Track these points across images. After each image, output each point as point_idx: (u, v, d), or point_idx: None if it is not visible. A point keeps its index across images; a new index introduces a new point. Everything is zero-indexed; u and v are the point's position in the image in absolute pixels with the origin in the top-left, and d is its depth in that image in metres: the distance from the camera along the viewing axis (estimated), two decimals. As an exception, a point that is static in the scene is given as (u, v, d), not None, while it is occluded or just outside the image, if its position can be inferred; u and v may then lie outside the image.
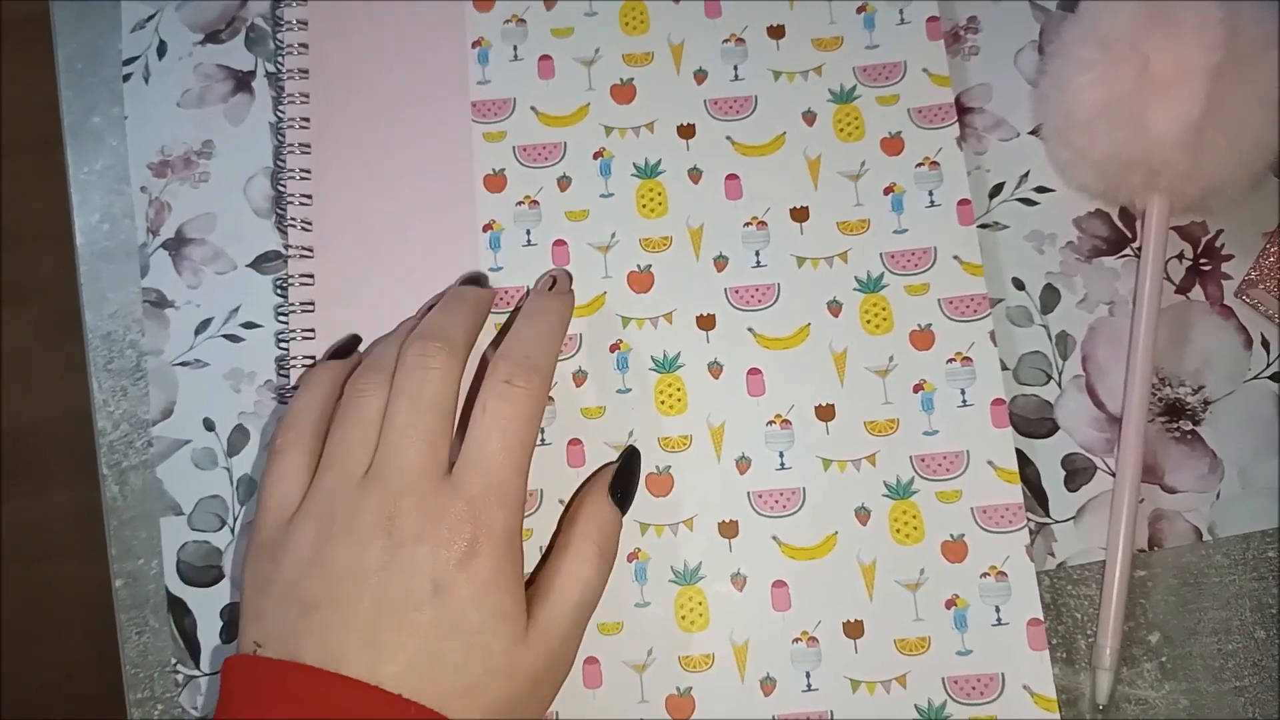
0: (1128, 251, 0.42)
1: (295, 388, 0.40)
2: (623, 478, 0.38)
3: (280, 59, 0.43)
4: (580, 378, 0.41)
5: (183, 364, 0.42)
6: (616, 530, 0.37)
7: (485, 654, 0.32)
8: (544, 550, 0.38)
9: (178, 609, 0.40)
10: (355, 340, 0.40)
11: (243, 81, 0.44)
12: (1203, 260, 0.42)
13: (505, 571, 0.33)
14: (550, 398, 0.40)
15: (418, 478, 0.33)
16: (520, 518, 0.34)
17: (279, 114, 0.43)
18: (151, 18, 0.45)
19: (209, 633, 0.40)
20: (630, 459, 0.39)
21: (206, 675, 0.40)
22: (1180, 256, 0.42)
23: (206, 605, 0.40)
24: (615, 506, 0.38)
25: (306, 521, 0.34)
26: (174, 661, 0.40)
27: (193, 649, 0.40)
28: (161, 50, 0.44)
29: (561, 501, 0.39)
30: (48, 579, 1.14)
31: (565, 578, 0.35)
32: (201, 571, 0.40)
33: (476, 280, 0.41)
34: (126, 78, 0.44)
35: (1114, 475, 0.40)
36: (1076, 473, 0.40)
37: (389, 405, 0.35)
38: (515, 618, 0.33)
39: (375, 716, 0.30)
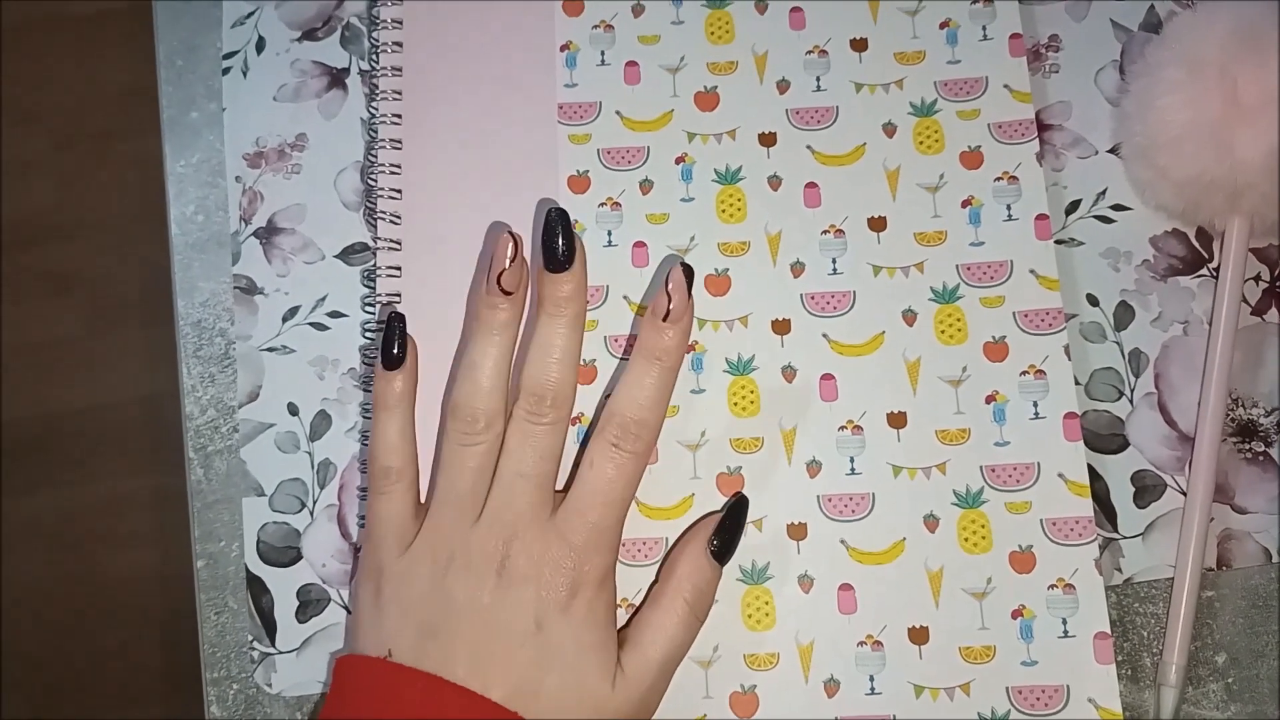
0: (1204, 271, 0.42)
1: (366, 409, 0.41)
2: (725, 530, 0.38)
3: (375, 57, 0.45)
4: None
5: (270, 349, 0.43)
6: (713, 586, 0.38)
7: (579, 685, 0.35)
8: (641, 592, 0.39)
9: (256, 587, 0.41)
10: (399, 329, 0.39)
11: (337, 78, 0.45)
12: (1279, 283, 0.42)
13: (599, 612, 0.36)
14: None
15: (529, 521, 0.36)
16: (614, 562, 0.37)
17: (372, 110, 0.44)
18: (251, 14, 0.46)
19: (286, 612, 0.41)
20: (736, 510, 0.39)
21: (281, 653, 0.41)
22: (1258, 279, 0.42)
23: (284, 585, 0.41)
24: (714, 561, 0.38)
25: (425, 555, 0.37)
26: (250, 639, 0.41)
27: (269, 627, 0.41)
28: (260, 46, 0.46)
29: (635, 499, 0.40)
30: (100, 565, 1.16)
31: (654, 631, 0.37)
32: (281, 551, 0.41)
33: (564, 247, 0.37)
34: (226, 71, 0.46)
35: (1184, 494, 0.40)
36: (1146, 489, 0.40)
37: (504, 449, 0.37)
38: (607, 652, 0.36)
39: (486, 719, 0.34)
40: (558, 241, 0.37)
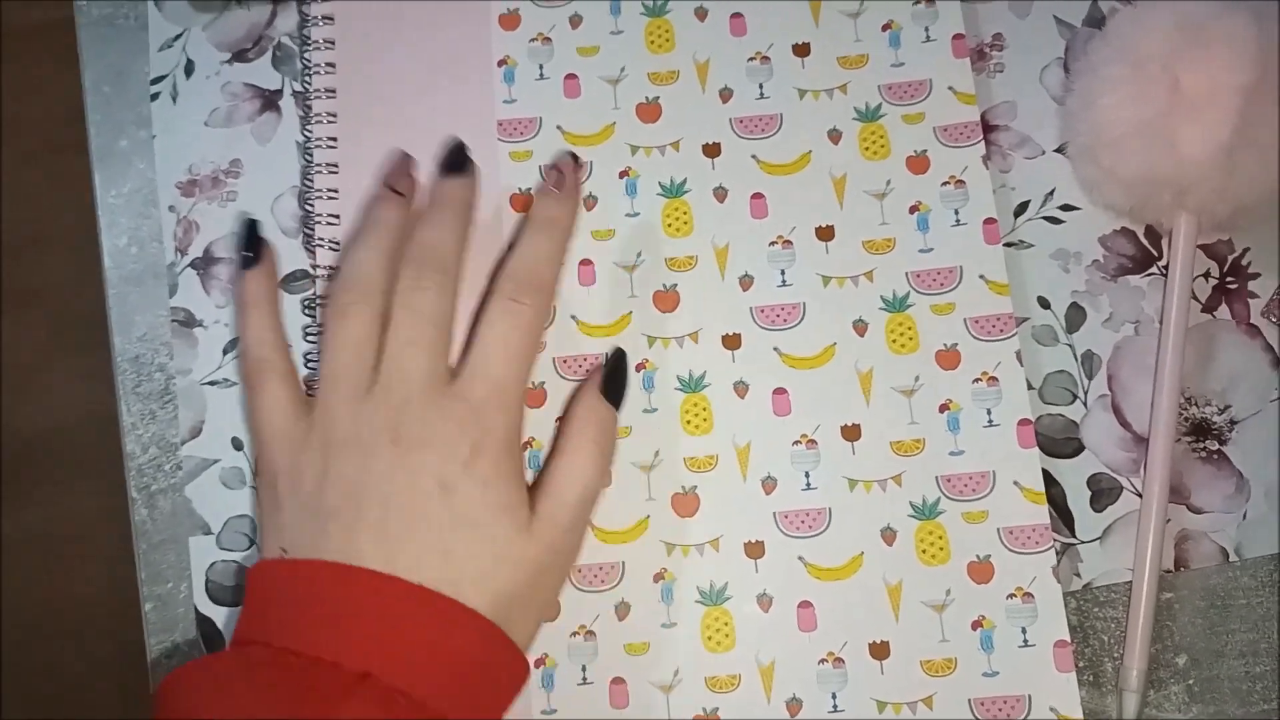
0: (1154, 270, 0.42)
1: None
2: (613, 378, 0.39)
3: (307, 78, 0.43)
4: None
5: (211, 383, 0.42)
6: (612, 427, 0.39)
7: (492, 544, 0.34)
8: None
9: (207, 628, 0.40)
10: (255, 231, 0.41)
11: (270, 100, 0.44)
12: (1229, 279, 0.42)
13: (506, 469, 0.36)
14: None
15: (421, 387, 0.36)
16: (520, 420, 0.37)
17: (306, 133, 0.43)
18: (178, 37, 0.45)
19: (238, 651, 0.40)
20: (617, 359, 0.40)
21: (236, 693, 0.40)
22: (1206, 275, 0.42)
23: (235, 624, 0.40)
24: (609, 405, 0.39)
25: (316, 442, 0.36)
26: (204, 679, 0.40)
27: (222, 667, 0.40)
28: (189, 69, 0.45)
29: (589, 523, 0.40)
30: (65, 582, 1.15)
31: (564, 473, 0.37)
32: (231, 591, 0.41)
33: (458, 158, 0.41)
34: (154, 97, 0.44)
35: (1140, 495, 0.40)
36: (1102, 493, 0.40)
37: (391, 322, 0.37)
38: (518, 510, 0.35)
39: (396, 603, 0.33)
40: (447, 158, 0.40)
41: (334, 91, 0.43)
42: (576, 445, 0.38)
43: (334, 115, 0.43)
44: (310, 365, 0.41)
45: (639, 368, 0.41)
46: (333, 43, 0.44)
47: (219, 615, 0.41)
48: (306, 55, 0.44)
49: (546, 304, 0.38)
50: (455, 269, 0.38)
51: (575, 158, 0.41)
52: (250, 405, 0.38)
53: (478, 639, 0.34)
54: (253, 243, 0.40)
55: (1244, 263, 0.42)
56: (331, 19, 0.44)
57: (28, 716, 1.12)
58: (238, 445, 0.41)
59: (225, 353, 0.42)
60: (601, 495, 0.39)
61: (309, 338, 0.42)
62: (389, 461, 0.35)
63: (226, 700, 0.32)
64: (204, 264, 0.43)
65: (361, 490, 0.35)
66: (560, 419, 0.40)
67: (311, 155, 0.43)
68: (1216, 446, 0.41)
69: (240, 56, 0.45)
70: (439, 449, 0.35)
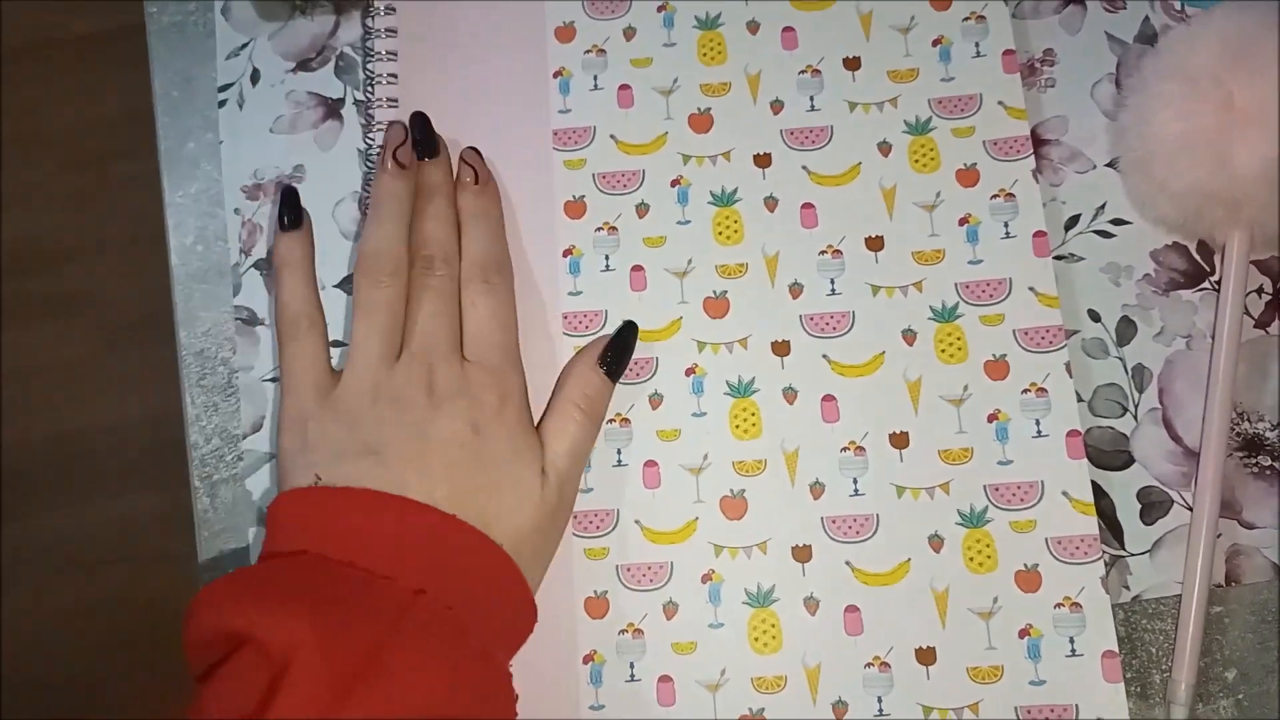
0: (1206, 285, 0.42)
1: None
2: (614, 348, 0.41)
3: (369, 87, 0.45)
4: (656, 400, 0.41)
5: (272, 380, 0.43)
6: (603, 396, 0.41)
7: (516, 482, 0.38)
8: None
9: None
10: (295, 198, 0.43)
11: (332, 108, 0.46)
12: (1282, 294, 0.42)
13: (525, 420, 0.40)
14: (627, 419, 0.41)
15: (447, 353, 0.40)
16: (525, 383, 0.41)
17: (368, 141, 0.44)
18: (245, 46, 0.46)
19: (291, 643, 0.41)
20: (625, 330, 0.42)
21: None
22: (1260, 291, 0.42)
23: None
24: (604, 376, 0.41)
25: (351, 391, 0.39)
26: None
27: (275, 658, 0.41)
28: (255, 78, 0.46)
29: (638, 523, 0.40)
30: (111, 585, 1.16)
31: (555, 432, 0.40)
32: (285, 583, 0.41)
33: (426, 139, 0.43)
34: (222, 103, 0.46)
35: (1191, 509, 0.40)
36: (1152, 506, 0.40)
37: (411, 300, 0.40)
38: (535, 455, 0.39)
39: (443, 533, 0.36)
40: (414, 140, 0.42)
41: (395, 101, 0.44)
42: (566, 411, 0.40)
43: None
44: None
45: (688, 372, 0.42)
46: (395, 54, 0.45)
47: (273, 607, 0.41)
48: (369, 65, 0.45)
49: (511, 277, 0.42)
50: (456, 256, 0.42)
51: (476, 151, 0.43)
52: (284, 355, 0.40)
53: (505, 576, 0.37)
54: (292, 208, 0.42)
55: (1296, 279, 0.42)
56: (395, 31, 0.45)
57: (86, 716, 1.13)
58: (295, 441, 0.42)
59: (285, 351, 0.43)
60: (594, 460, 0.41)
61: (366, 337, 0.43)
62: (426, 409, 0.38)
63: (290, 602, 0.33)
64: (267, 265, 0.44)
65: (402, 431, 0.38)
66: (556, 384, 0.42)
67: (372, 162, 0.44)
68: (1269, 462, 0.41)
69: (304, 66, 0.46)
70: (470, 399, 0.39)
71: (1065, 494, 0.39)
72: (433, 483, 0.37)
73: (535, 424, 0.41)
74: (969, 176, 0.43)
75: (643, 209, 0.43)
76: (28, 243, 1.24)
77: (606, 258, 0.43)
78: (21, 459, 1.19)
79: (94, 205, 1.24)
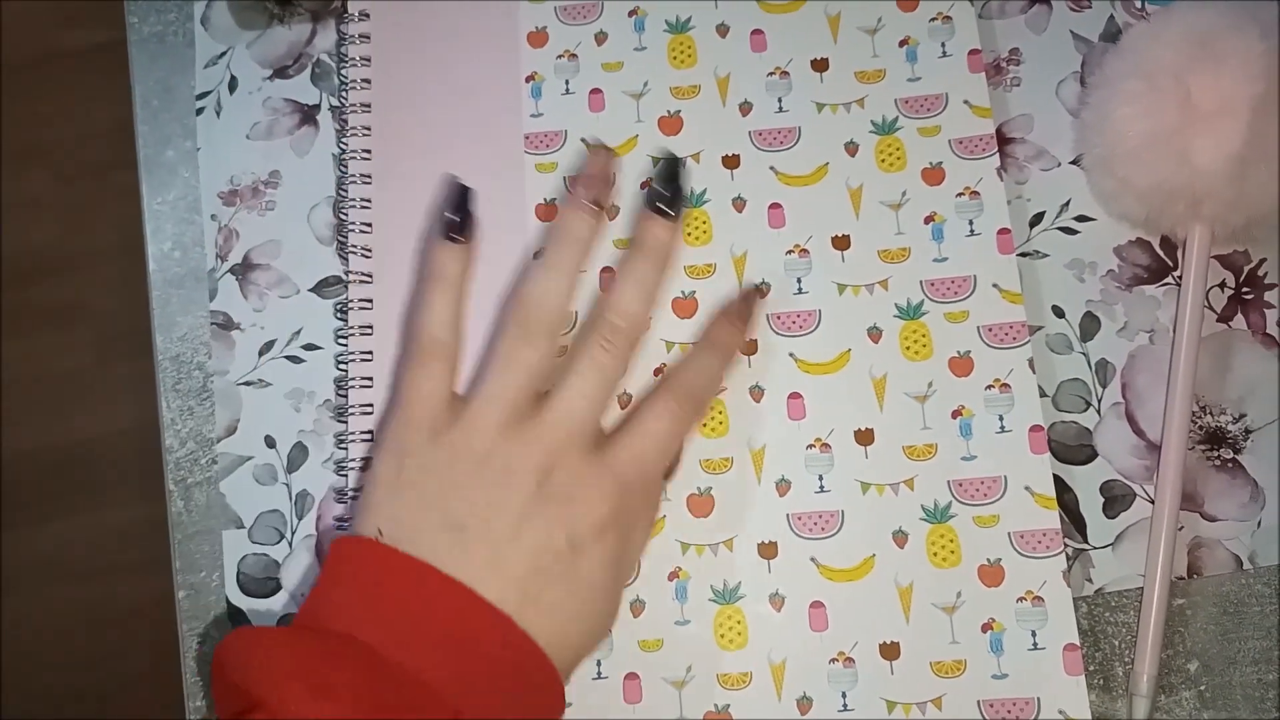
0: (1169, 280, 0.42)
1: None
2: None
3: (344, 93, 0.45)
4: (625, 400, 0.42)
5: (247, 384, 0.44)
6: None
7: (595, 618, 0.36)
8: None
9: (237, 619, 0.42)
10: (468, 202, 0.40)
11: (308, 114, 0.46)
12: (1245, 289, 0.42)
13: (624, 560, 0.37)
14: None
15: (579, 443, 0.36)
16: (653, 521, 0.39)
17: (342, 146, 0.45)
18: (223, 54, 0.47)
19: (268, 641, 0.42)
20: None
21: (265, 682, 0.41)
22: (1223, 285, 0.42)
23: (265, 616, 0.42)
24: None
25: (462, 448, 0.36)
26: (234, 668, 0.42)
27: (252, 656, 0.42)
28: (233, 85, 0.47)
29: None
30: (109, 593, 1.17)
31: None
32: (260, 583, 0.42)
33: (673, 191, 0.40)
34: (199, 111, 0.47)
35: (1153, 502, 0.40)
36: (1115, 499, 0.41)
37: (571, 367, 0.37)
38: (617, 599, 0.37)
39: (506, 649, 0.33)
40: (662, 183, 0.40)
41: (369, 106, 0.45)
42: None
43: (368, 128, 0.45)
44: (341, 367, 0.43)
45: (656, 373, 0.42)
46: (369, 59, 0.46)
47: (249, 607, 0.42)
48: (343, 71, 0.46)
49: (700, 416, 0.40)
50: (642, 335, 0.40)
51: (760, 291, 0.42)
52: (408, 378, 0.38)
53: (549, 695, 0.35)
54: (464, 213, 0.39)
55: (1260, 273, 0.42)
56: (368, 37, 0.46)
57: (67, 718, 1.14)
58: (270, 443, 0.43)
59: (261, 354, 0.44)
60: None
61: (340, 340, 0.43)
62: (529, 501, 0.35)
63: (330, 696, 0.31)
64: (243, 270, 0.45)
65: (495, 517, 0.35)
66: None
67: (347, 166, 0.44)
68: (1231, 455, 0.41)
69: (281, 73, 0.47)
70: (579, 508, 0.35)
71: (1028, 489, 0.40)
72: (507, 585, 0.34)
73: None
74: (935, 175, 0.43)
75: (613, 211, 0.44)
76: (26, 254, 1.26)
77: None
78: (19, 468, 1.21)
79: (91, 215, 1.25)
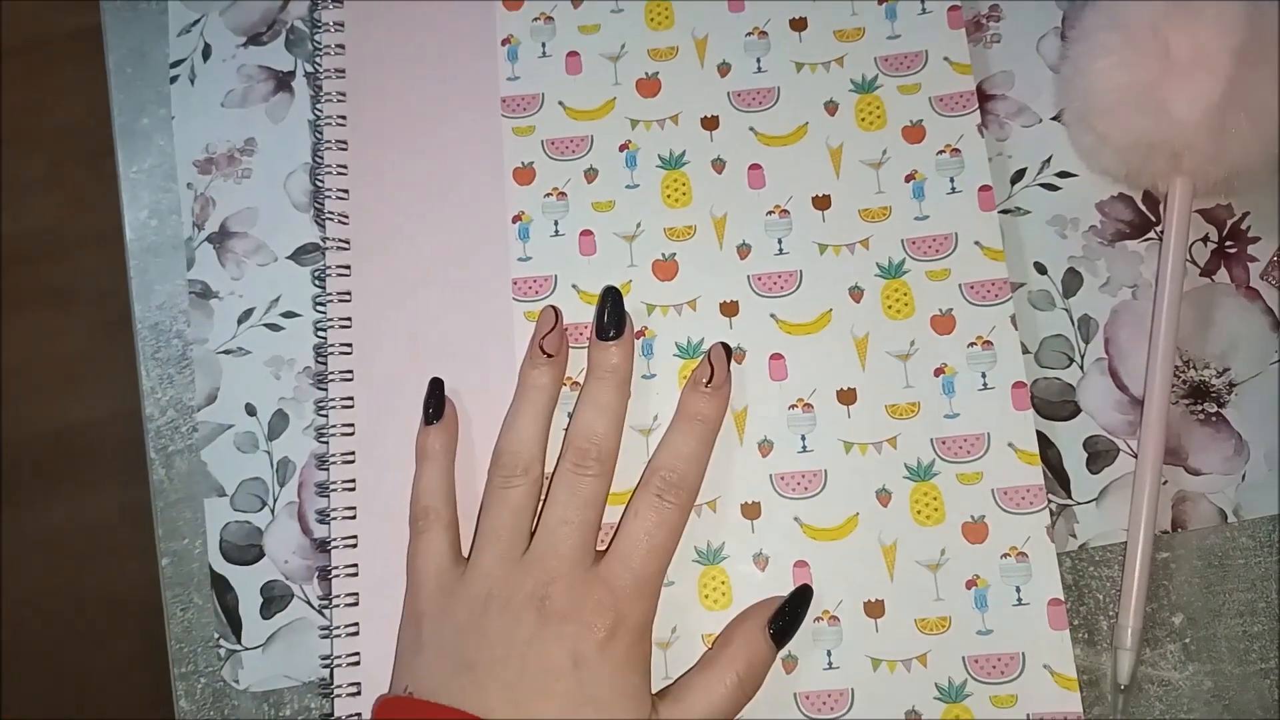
0: (1151, 235, 0.42)
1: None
2: (786, 614, 0.38)
3: (318, 59, 0.45)
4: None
5: (226, 352, 0.43)
6: (766, 664, 0.38)
7: None
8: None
9: (220, 586, 0.42)
10: (440, 390, 0.41)
11: (283, 81, 0.46)
12: (1228, 243, 0.42)
13: (637, 656, 0.37)
14: (577, 382, 0.41)
15: (571, 565, 0.37)
16: (654, 613, 0.38)
17: (317, 112, 0.44)
18: (197, 22, 0.47)
19: (250, 609, 0.42)
20: (800, 596, 0.39)
21: (247, 650, 0.41)
22: (1205, 239, 0.42)
23: (247, 582, 0.42)
24: (770, 642, 0.38)
25: (465, 594, 0.38)
26: (217, 636, 0.42)
27: (234, 624, 0.42)
28: (206, 53, 0.46)
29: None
30: (100, 576, 1.17)
31: (700, 691, 0.37)
32: (243, 550, 0.42)
33: (616, 319, 0.40)
34: (173, 79, 0.46)
35: (1136, 457, 0.40)
36: (1099, 455, 0.40)
37: (550, 497, 0.39)
38: (642, 701, 0.36)
39: None
40: (605, 316, 0.40)
41: (343, 71, 0.45)
42: (720, 671, 0.37)
43: (343, 94, 0.44)
44: (320, 334, 0.43)
45: (639, 335, 0.42)
46: (342, 25, 0.45)
47: (232, 574, 0.42)
48: (318, 37, 0.45)
49: (690, 501, 0.39)
50: (615, 453, 0.40)
51: (727, 349, 0.40)
52: (411, 549, 0.40)
53: None
54: (437, 400, 0.41)
55: (1243, 227, 0.42)
56: (341, 2, 0.45)
57: (49, 716, 1.14)
58: (251, 411, 0.43)
59: (240, 323, 0.44)
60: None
61: (318, 307, 0.43)
62: (532, 626, 0.36)
63: None
64: (220, 238, 0.44)
65: (502, 649, 0.36)
66: (721, 633, 0.39)
67: (322, 133, 0.44)
68: (1215, 409, 0.41)
69: (255, 40, 0.46)
70: (578, 624, 0.36)
71: (1011, 445, 0.40)
72: (519, 712, 0.35)
73: (683, 674, 0.38)
74: (915, 133, 0.43)
75: (591, 174, 0.43)
76: (22, 238, 1.25)
77: (556, 223, 0.43)
78: (18, 451, 1.20)
79: (90, 199, 1.25)
